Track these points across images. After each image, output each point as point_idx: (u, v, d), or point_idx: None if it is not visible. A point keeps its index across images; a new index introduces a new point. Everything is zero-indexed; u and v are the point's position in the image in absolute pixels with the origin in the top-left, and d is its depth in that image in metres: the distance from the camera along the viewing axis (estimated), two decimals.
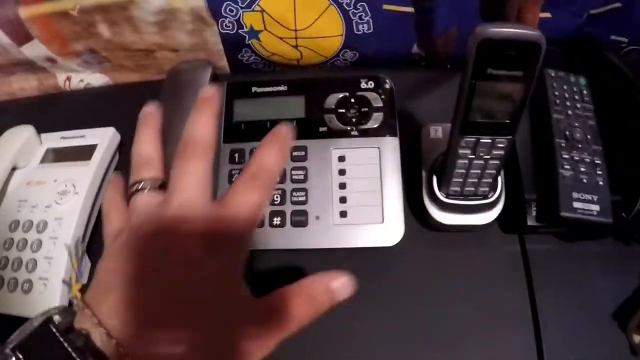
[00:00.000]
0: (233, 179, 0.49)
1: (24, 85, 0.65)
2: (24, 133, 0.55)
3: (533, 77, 0.35)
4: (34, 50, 0.59)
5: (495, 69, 0.35)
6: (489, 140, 0.40)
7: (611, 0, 0.53)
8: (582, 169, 0.46)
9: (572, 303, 0.47)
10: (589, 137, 0.48)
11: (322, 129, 0.50)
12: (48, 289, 0.47)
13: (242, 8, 0.53)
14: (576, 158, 0.47)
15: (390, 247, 0.46)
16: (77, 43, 0.59)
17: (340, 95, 0.52)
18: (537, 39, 0.33)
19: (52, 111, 0.62)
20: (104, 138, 0.54)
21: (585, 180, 0.46)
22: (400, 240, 0.46)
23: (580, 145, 0.48)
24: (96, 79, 0.65)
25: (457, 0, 0.53)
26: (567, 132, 0.48)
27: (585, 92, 0.51)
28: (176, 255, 0.29)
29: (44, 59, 0.61)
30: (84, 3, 0.53)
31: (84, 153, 0.53)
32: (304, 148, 0.50)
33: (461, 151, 0.41)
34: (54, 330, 0.26)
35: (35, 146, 0.55)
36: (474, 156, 0.41)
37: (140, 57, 0.61)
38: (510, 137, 0.39)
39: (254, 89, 0.53)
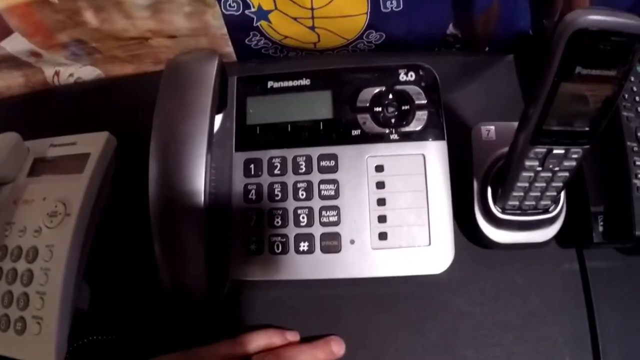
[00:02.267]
0: (250, 196, 0.39)
1: (10, 83, 0.55)
2: (8, 142, 0.44)
3: (626, 77, 0.26)
4: (16, 44, 0.49)
5: (585, 68, 0.26)
6: (562, 151, 0.31)
7: None
8: None
9: (635, 327, 0.39)
10: None
11: (354, 132, 0.40)
12: (43, 330, 0.38)
13: None
14: None
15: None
16: (62, 34, 0.47)
17: (376, 90, 0.41)
18: None
19: (41, 111, 0.52)
20: (97, 145, 0.43)
21: None
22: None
23: None
24: (87, 72, 0.54)
25: None
26: (639, 134, 0.39)
27: None
28: None
29: (27, 53, 0.50)
30: None
31: (76, 164, 0.43)
32: (334, 157, 0.39)
33: (528, 163, 0.32)
34: None
35: (21, 157, 0.45)
36: (541, 168, 0.32)
37: (133, 46, 0.49)
38: (588, 147, 0.30)
39: (270, 83, 0.42)
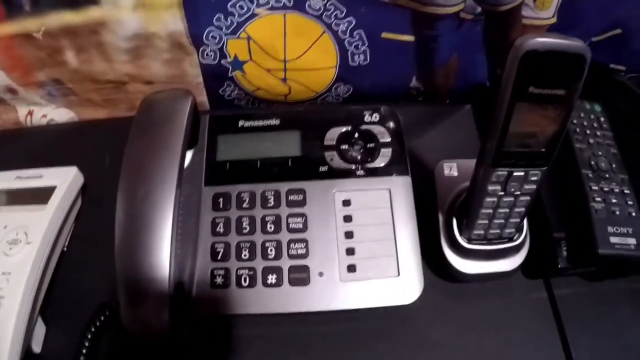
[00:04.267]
0: (217, 229, 0.38)
1: None
2: None
3: (575, 96, 0.28)
4: None
5: (537, 88, 0.27)
6: (522, 173, 0.32)
7: (611, 26, 0.47)
8: (613, 201, 0.39)
9: (607, 348, 0.38)
10: (614, 165, 0.41)
11: (322, 168, 0.40)
12: None
13: (226, 34, 0.44)
14: (605, 189, 0.40)
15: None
16: (41, 72, 0.47)
17: (342, 129, 0.41)
18: (583, 51, 0.26)
19: (9, 149, 0.49)
20: (64, 179, 0.42)
21: (617, 213, 0.39)
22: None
23: (607, 175, 0.40)
24: (60, 114, 0.53)
25: (459, 29, 0.45)
26: (593, 162, 0.41)
27: (602, 119, 0.44)
28: None
29: (3, 89, 0.49)
30: (49, 24, 0.43)
31: (41, 196, 0.41)
32: (302, 191, 0.39)
33: (491, 187, 0.33)
34: None
35: None
36: (503, 192, 0.33)
37: (110, 90, 0.49)
38: (545, 168, 0.32)
39: (241, 122, 0.42)
